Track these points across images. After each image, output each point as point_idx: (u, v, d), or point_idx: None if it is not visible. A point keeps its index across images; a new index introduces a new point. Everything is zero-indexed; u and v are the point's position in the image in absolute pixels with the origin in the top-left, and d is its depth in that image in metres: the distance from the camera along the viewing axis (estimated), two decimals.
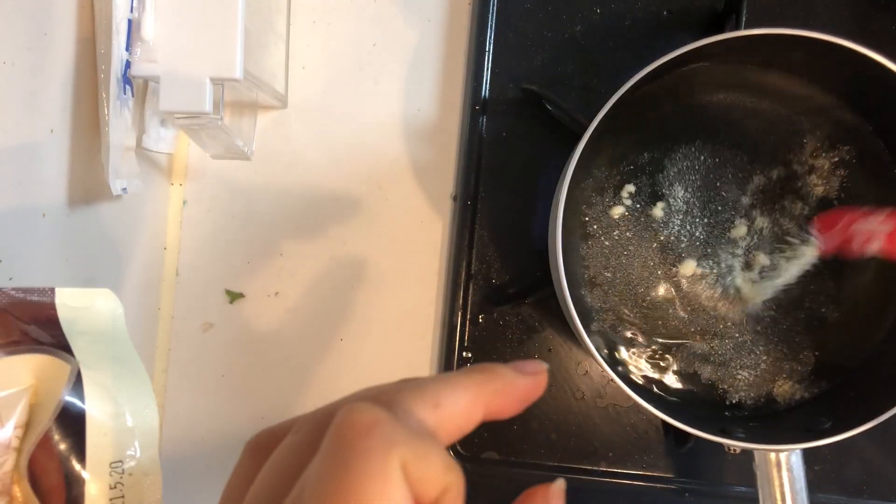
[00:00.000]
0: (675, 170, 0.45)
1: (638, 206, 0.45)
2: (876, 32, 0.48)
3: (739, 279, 0.44)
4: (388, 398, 0.20)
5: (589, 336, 0.39)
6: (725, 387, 0.45)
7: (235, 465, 0.22)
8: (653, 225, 0.45)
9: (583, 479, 0.48)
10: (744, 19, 0.45)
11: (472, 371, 0.22)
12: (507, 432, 0.48)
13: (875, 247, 0.36)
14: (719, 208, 0.45)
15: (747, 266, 0.44)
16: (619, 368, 0.44)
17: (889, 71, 0.38)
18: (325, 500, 0.18)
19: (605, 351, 0.45)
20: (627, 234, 0.45)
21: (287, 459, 0.20)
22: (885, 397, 0.38)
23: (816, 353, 0.45)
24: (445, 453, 0.19)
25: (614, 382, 0.42)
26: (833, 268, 0.44)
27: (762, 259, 0.44)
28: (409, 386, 0.21)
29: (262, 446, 0.22)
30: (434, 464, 0.19)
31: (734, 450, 0.40)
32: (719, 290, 0.45)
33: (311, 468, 0.19)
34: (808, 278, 0.45)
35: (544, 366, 0.23)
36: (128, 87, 0.43)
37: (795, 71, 0.44)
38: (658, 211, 0.45)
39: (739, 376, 0.45)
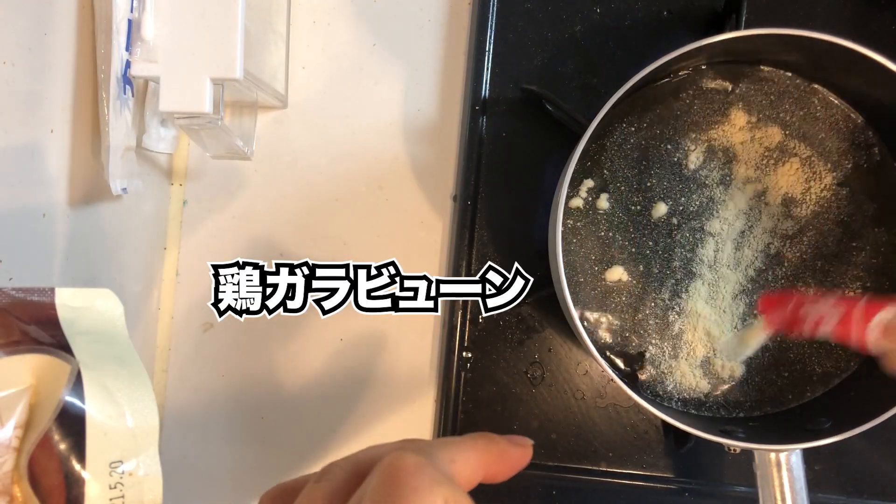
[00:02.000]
0: (673, 168, 0.45)
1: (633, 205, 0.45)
2: (876, 32, 0.48)
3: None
4: (416, 450, 0.23)
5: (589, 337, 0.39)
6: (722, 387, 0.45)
7: None
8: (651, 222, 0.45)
9: (583, 479, 0.48)
10: (744, 19, 0.45)
11: (476, 437, 0.26)
12: (507, 432, 0.48)
13: (826, 330, 0.34)
14: (716, 212, 0.45)
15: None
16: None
17: (889, 71, 0.38)
18: None
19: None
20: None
21: (324, 497, 0.23)
22: (884, 398, 0.39)
23: (815, 353, 0.45)
24: (469, 497, 0.22)
25: (614, 382, 0.42)
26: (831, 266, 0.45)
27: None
28: (422, 442, 0.25)
29: (278, 498, 0.25)
30: None
31: (734, 450, 0.40)
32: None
33: (361, 500, 0.21)
34: (803, 276, 0.45)
35: (531, 441, 0.29)
36: (128, 87, 0.43)
37: (795, 71, 0.44)
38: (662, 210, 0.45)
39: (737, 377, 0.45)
